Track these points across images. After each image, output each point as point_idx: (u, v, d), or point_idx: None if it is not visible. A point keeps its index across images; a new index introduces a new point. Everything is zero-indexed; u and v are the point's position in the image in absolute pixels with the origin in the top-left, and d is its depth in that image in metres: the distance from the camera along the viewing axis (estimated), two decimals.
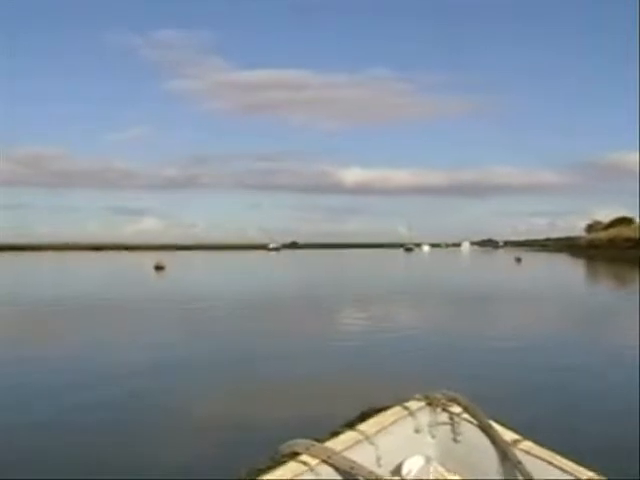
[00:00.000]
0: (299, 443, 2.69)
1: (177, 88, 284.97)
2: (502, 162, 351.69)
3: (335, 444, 2.76)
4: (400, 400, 3.14)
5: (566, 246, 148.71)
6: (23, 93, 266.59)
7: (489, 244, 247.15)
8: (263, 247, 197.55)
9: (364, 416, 2.99)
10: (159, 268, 65.62)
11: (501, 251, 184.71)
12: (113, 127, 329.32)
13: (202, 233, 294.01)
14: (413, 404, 3.12)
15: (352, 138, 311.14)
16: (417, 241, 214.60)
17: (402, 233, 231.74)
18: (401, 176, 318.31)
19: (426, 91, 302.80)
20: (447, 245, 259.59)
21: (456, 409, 3.14)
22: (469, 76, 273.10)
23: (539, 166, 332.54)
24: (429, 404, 3.13)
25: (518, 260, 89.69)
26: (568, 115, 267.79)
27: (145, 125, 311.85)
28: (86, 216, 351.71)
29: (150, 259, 77.91)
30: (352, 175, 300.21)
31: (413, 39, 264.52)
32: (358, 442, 2.83)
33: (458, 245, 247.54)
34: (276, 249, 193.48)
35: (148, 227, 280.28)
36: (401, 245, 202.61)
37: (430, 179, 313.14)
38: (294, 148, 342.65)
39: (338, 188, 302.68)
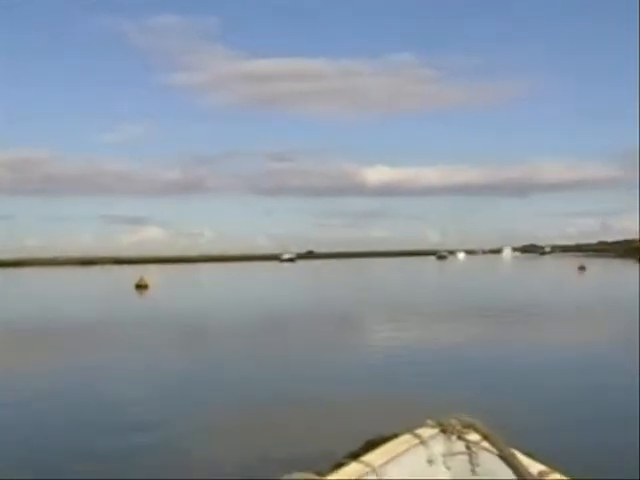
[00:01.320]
0: (298, 477, 2.74)
1: (176, 81, 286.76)
2: (546, 156, 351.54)
3: (338, 477, 2.81)
4: (410, 427, 3.17)
5: (625, 250, 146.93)
6: (1, 89, 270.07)
7: (533, 250, 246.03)
8: (276, 258, 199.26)
9: (370, 445, 3.03)
10: (141, 287, 63.44)
11: (548, 258, 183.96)
12: (106, 125, 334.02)
13: (208, 243, 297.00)
14: (425, 431, 3.14)
15: (375, 133, 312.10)
16: (451, 248, 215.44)
17: (433, 239, 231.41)
18: (431, 175, 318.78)
19: (457, 77, 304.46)
20: (484, 252, 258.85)
21: (474, 437, 3.16)
22: (506, 58, 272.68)
23: (587, 159, 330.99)
24: (443, 431, 3.16)
25: (582, 269, 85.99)
26: (620, 101, 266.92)
27: (142, 123, 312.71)
28: (78, 226, 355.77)
29: (148, 274, 77.79)
30: (376, 175, 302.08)
31: (440, 18, 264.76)
32: (364, 475, 2.89)
33: (497, 252, 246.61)
34: (290, 260, 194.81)
35: (148, 237, 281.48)
36: (433, 253, 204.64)
37: (464, 177, 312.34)
38: (310, 146, 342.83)
39: (360, 190, 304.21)
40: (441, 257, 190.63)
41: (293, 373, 17.80)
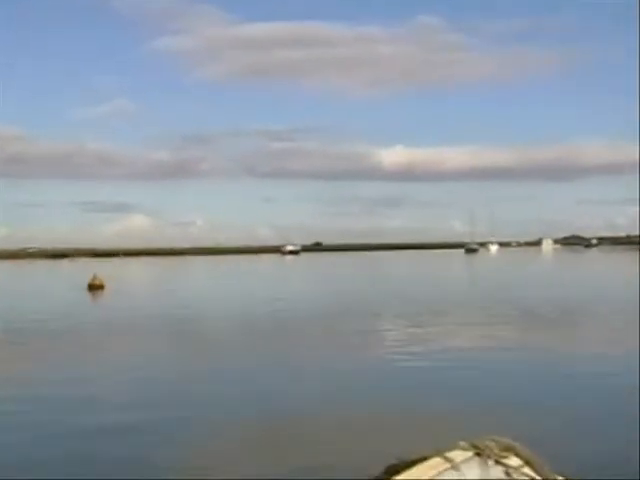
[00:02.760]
0: None
1: (164, 47, 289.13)
2: (589, 135, 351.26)
3: None
4: (439, 449, 3.15)
5: None
6: None
7: (576, 242, 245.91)
8: (277, 250, 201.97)
9: (393, 470, 3.02)
10: (94, 288, 59.61)
11: (594, 251, 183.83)
12: (84, 99, 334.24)
13: (200, 234, 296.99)
14: (457, 454, 3.13)
15: (393, 108, 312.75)
16: (480, 239, 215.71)
17: (460, 230, 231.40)
18: (458, 156, 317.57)
19: (490, 44, 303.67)
20: (519, 244, 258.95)
21: (513, 461, 3.16)
22: (548, 22, 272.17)
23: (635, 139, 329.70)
24: (478, 454, 3.14)
25: None
26: None
27: (125, 96, 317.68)
28: (51, 214, 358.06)
29: (123, 268, 76.76)
30: (394, 156, 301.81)
31: None
32: None
33: (534, 244, 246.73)
34: (294, 252, 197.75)
35: (132, 227, 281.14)
36: (460, 245, 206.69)
37: (495, 159, 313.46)
38: (317, 123, 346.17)
39: (375, 173, 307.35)
40: (470, 250, 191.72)
41: (299, 384, 17.90)
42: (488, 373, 18.86)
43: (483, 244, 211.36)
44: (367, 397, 16.06)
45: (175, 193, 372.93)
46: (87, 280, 61.37)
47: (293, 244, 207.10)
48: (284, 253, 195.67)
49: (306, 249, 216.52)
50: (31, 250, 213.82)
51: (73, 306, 44.27)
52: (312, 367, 20.15)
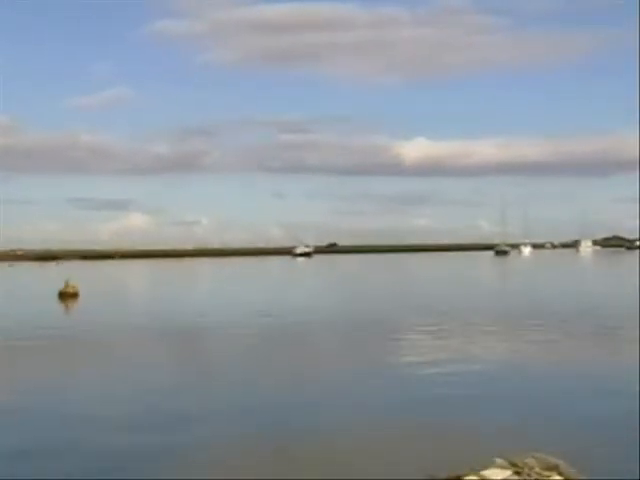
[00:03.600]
0: None
1: (166, 32, 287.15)
2: (632, 126, 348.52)
3: None
4: (473, 466, 3.08)
5: None
6: None
7: (618, 243, 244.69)
8: (289, 252, 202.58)
9: None
10: (67, 296, 55.92)
11: (638, 253, 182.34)
12: (79, 88, 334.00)
13: (206, 233, 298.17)
14: (494, 472, 3.07)
15: (415, 96, 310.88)
16: (512, 240, 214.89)
17: (488, 230, 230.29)
18: (485, 149, 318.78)
19: (519, 26, 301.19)
20: (554, 245, 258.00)
21: None
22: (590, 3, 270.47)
23: None
24: (517, 473, 3.08)
25: None
26: None
27: (124, 84, 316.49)
28: (41, 212, 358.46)
29: (128, 270, 74.45)
30: (416, 149, 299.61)
31: None
32: None
33: (570, 245, 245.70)
34: (307, 254, 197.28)
35: (131, 227, 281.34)
36: (489, 247, 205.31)
37: (527, 152, 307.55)
38: (333, 113, 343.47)
39: (396, 168, 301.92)
40: (501, 252, 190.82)
41: (317, 398, 18.02)
42: (520, 389, 18.87)
43: (515, 246, 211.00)
44: (394, 412, 16.09)
45: (177, 189, 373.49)
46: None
47: (305, 245, 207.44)
48: (295, 255, 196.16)
49: (320, 250, 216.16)
50: (20, 252, 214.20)
51: (32, 319, 40.72)
52: (329, 386, 20.17)
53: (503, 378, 20.18)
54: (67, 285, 57.46)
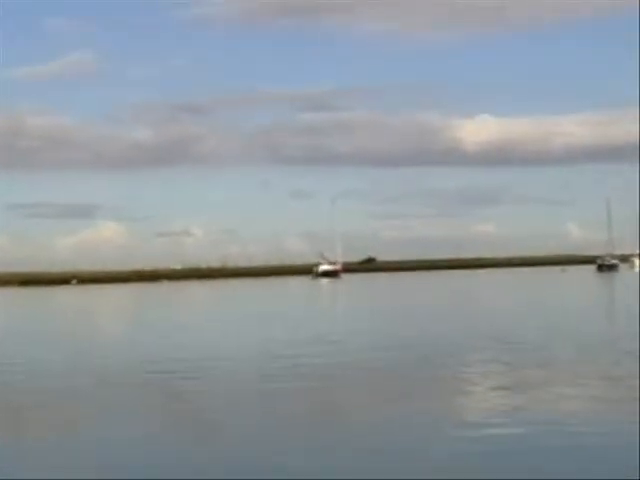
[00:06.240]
0: None
1: None
2: None
3: None
4: None
5: None
6: None
7: None
8: (309, 270, 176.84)
9: None
10: None
11: None
12: (27, 53, 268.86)
13: (200, 248, 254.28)
14: None
15: (475, 60, 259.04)
16: (617, 251, 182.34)
17: (580, 236, 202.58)
18: (572, 128, 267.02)
19: None
20: None
21: None
22: None
23: None
24: None
25: None
26: None
27: (87, 47, 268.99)
28: None
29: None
30: (479, 130, 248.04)
31: None
32: None
33: None
34: (332, 274, 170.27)
35: (97, 239, 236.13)
36: (583, 260, 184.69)
37: (632, 130, 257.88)
38: (367, 83, 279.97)
39: (453, 156, 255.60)
40: (605, 267, 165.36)
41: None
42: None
43: (624, 258, 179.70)
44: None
45: (161, 189, 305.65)
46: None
47: (330, 261, 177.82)
48: (317, 275, 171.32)
49: (351, 268, 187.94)
50: None
51: None
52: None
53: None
54: None
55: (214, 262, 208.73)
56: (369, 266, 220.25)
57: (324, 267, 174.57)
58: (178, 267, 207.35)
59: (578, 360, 32.32)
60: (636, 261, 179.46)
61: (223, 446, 18.46)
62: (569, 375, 28.48)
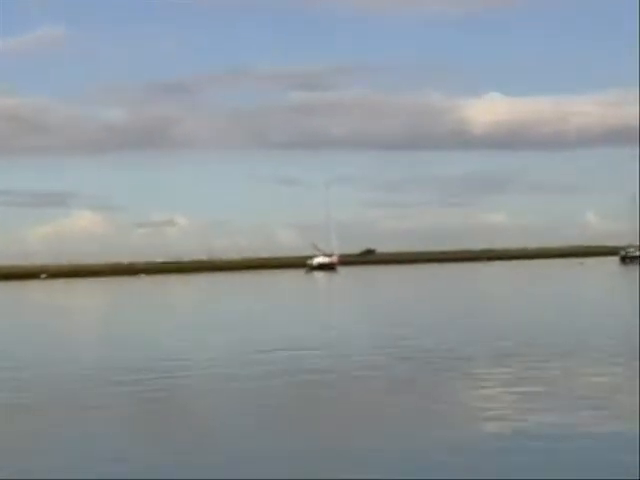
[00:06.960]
0: None
1: None
2: None
3: None
4: None
5: None
6: None
7: None
8: (303, 263, 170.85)
9: None
10: None
11: None
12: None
13: (184, 239, 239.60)
14: None
15: (482, 33, 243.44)
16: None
17: (599, 226, 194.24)
18: (589, 108, 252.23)
19: None
20: None
21: None
22: None
23: None
24: None
25: None
26: None
27: (58, 20, 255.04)
28: None
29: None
30: (488, 110, 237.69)
31: None
32: None
33: None
34: (328, 267, 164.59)
35: (72, 230, 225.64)
36: (604, 251, 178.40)
37: None
38: (367, 60, 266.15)
39: (460, 138, 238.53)
40: (630, 258, 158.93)
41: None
42: None
43: None
44: None
45: (139, 175, 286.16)
46: None
47: (325, 253, 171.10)
48: (311, 268, 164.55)
49: (349, 261, 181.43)
50: None
51: None
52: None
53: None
54: None
55: (200, 255, 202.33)
56: (368, 258, 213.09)
57: (319, 259, 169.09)
58: (159, 260, 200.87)
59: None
60: None
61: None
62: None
